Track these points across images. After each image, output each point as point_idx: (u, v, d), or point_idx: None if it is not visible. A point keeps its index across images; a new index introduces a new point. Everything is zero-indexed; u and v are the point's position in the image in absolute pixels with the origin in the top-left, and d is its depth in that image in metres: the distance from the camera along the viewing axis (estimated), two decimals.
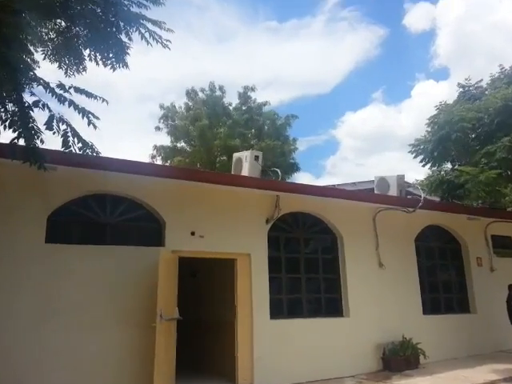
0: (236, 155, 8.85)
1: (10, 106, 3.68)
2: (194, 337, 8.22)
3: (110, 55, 4.21)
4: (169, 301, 6.12)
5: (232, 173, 8.62)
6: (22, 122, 3.59)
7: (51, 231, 5.85)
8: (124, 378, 5.86)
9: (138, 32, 4.23)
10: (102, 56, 4.23)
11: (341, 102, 46.92)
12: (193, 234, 6.82)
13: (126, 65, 4.29)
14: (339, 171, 44.53)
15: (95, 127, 3.75)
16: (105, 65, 4.24)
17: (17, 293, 5.51)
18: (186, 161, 21.33)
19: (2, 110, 3.66)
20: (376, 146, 46.01)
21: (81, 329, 5.76)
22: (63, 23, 4.29)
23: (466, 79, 11.32)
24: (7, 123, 3.65)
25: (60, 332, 5.63)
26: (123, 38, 4.21)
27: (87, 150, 3.82)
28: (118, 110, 35.95)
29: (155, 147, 23.32)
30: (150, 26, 4.31)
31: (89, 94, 3.90)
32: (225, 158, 21.42)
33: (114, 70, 4.23)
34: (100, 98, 3.97)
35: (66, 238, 6.02)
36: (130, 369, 5.90)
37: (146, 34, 4.26)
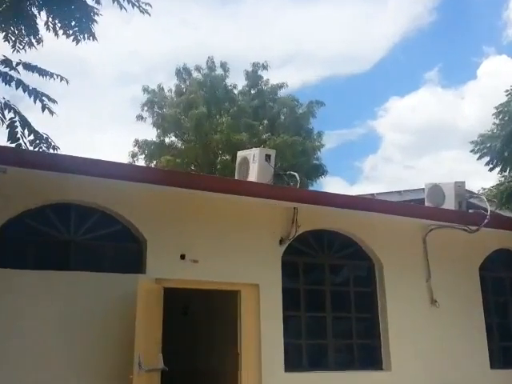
0: (241, 154, 8.89)
1: None
2: None
3: (73, 23, 4.21)
4: (150, 345, 6.12)
5: (236, 177, 8.66)
6: None
7: None
8: None
9: None
10: (63, 24, 4.23)
11: (383, 84, 46.94)
12: (183, 257, 6.84)
13: (92, 35, 4.30)
14: (380, 176, 44.42)
15: (51, 113, 3.76)
16: (66, 35, 4.24)
17: None
18: (176, 161, 21.53)
19: None
20: (429, 143, 45.83)
21: (41, 377, 5.76)
22: None
23: None
24: None
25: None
26: (89, 1, 4.23)
27: (41, 145, 3.82)
28: (92, 94, 36.52)
29: (136, 143, 23.67)
30: None
31: (42, 72, 3.91)
32: (227, 157, 21.61)
33: (77, 43, 4.24)
34: (57, 76, 3.98)
35: (18, 262, 6.05)
36: None
37: None
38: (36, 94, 3.80)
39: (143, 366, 5.87)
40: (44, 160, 5.01)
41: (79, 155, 5.95)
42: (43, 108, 3.80)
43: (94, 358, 6.04)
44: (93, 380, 5.99)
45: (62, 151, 4.90)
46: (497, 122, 10.47)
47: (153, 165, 23.07)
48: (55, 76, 3.99)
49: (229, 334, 7.30)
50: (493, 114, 10.62)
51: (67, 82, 3.97)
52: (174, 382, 7.03)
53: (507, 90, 10.73)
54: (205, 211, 7.16)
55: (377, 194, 10.60)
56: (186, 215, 7.04)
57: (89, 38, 4.32)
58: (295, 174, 8.96)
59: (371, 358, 8.07)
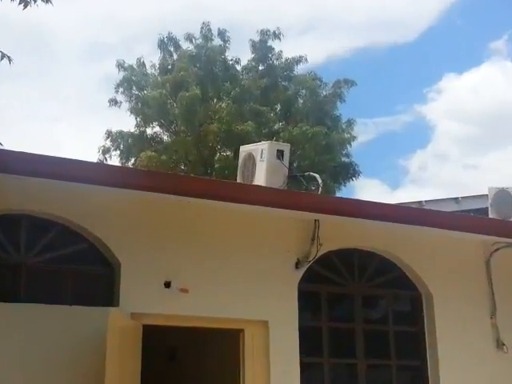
0: (245, 150, 8.99)
1: None
2: None
3: None
4: None
5: (238, 180, 8.73)
6: None
7: None
8: None
9: None
10: None
11: (434, 58, 46.86)
12: (168, 285, 6.86)
13: None
14: (431, 178, 44.37)
15: None
16: None
17: None
18: (161, 158, 21.64)
19: None
20: (496, 135, 45.71)
21: None
22: None
23: None
24: None
25: None
26: None
27: None
28: (53, 72, 36.66)
29: (109, 135, 23.83)
30: None
31: None
32: (227, 153, 21.71)
33: (25, 6, 4.24)
34: None
35: None
36: None
37: None
38: None
39: None
40: None
41: (32, 151, 5.93)
42: None
43: None
44: None
45: (9, 146, 4.89)
46: None
47: (130, 164, 23.25)
48: None
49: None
50: None
51: (10, 62, 3.96)
52: None
53: None
54: (198, 225, 7.20)
55: (426, 201, 10.59)
56: (173, 230, 7.08)
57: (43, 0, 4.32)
58: (317, 175, 9.10)
59: None
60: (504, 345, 8.48)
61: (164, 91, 23.08)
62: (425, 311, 8.41)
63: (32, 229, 6.58)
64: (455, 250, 8.53)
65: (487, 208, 9.50)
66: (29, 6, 4.21)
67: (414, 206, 9.64)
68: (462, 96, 43.93)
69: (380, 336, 8.22)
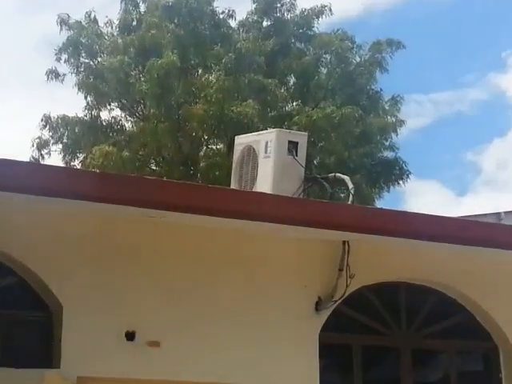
0: (244, 141, 9.10)
1: None
2: None
3: None
4: None
5: (232, 184, 8.85)
6: None
7: None
8: None
9: None
10: None
11: None
12: (131, 337, 6.89)
13: None
14: None
15: None
16: None
17: None
18: (123, 154, 21.53)
19: None
20: None
21: None
22: None
23: None
24: None
25: None
26: None
27: None
28: None
29: (47, 121, 23.75)
30: None
31: None
32: (219, 146, 21.60)
33: None
34: None
35: None
36: None
37: None
38: None
39: None
40: None
41: None
42: None
43: None
44: None
45: None
46: None
47: (77, 163, 23.23)
48: None
49: None
50: None
51: None
52: None
53: None
54: (175, 251, 7.25)
55: (506, 213, 10.60)
56: (140, 259, 7.10)
57: None
58: (346, 177, 9.16)
59: None
60: None
61: (126, 58, 23.09)
62: (503, 371, 8.39)
63: None
64: None
65: None
66: None
67: (489, 219, 9.64)
68: None
69: None
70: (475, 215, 10.62)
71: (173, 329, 7.07)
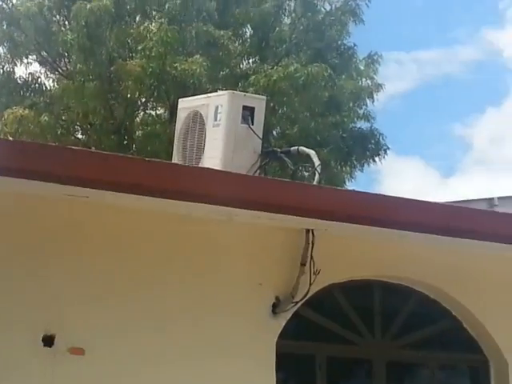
0: (189, 105, 9.12)
1: None
2: None
3: None
4: None
5: (175, 158, 8.91)
6: None
7: None
8: None
9: None
10: None
11: None
12: (49, 342, 6.84)
13: None
14: (510, 157, 44.79)
15: None
16: None
17: None
18: (41, 119, 21.38)
19: None
20: None
21: None
22: None
23: None
24: None
25: None
26: None
27: None
28: None
29: None
30: None
31: None
32: (159, 111, 21.52)
33: None
34: None
35: None
36: None
37: None
38: None
39: None
40: None
41: None
42: None
43: None
44: None
45: None
46: None
47: None
48: None
49: None
50: None
51: None
52: None
53: None
54: (103, 237, 7.24)
55: (500, 198, 10.70)
56: (61, 245, 7.07)
57: None
58: (311, 151, 9.18)
59: None
60: None
61: (47, 1, 22.98)
62: None
63: None
64: None
65: None
66: None
67: (480, 205, 9.70)
68: None
69: None
70: (464, 201, 10.74)
71: (101, 333, 7.02)
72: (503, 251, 8.22)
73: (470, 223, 8.18)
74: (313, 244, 7.68)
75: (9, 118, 21.36)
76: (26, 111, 21.83)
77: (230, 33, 23.15)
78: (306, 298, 7.65)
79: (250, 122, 8.50)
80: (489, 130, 43.79)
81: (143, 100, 22.47)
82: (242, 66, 22.74)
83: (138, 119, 22.20)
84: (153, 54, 21.57)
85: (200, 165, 8.27)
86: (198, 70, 21.02)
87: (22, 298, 6.86)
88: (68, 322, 6.93)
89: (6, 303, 6.78)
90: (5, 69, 23.77)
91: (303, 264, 7.65)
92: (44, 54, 23.81)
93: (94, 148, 19.71)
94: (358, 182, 24.07)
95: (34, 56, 23.85)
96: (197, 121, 8.64)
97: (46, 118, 21.91)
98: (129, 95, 22.41)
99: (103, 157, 8.57)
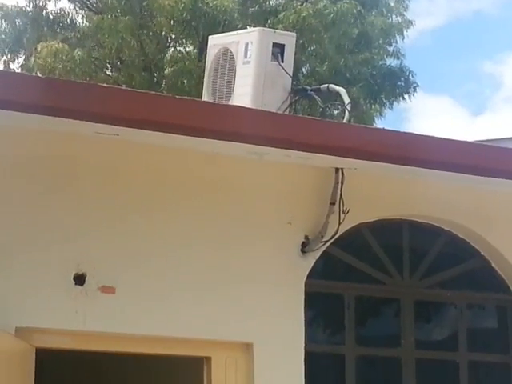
0: (219, 42, 9.07)
1: None
2: None
3: None
4: None
5: (204, 96, 8.86)
6: None
7: None
8: None
9: None
10: None
11: None
12: (80, 281, 6.88)
13: None
14: None
15: None
16: None
17: None
18: (74, 54, 21.35)
19: None
20: None
21: None
22: None
23: None
24: None
25: None
26: None
27: None
28: None
29: None
30: None
31: None
32: (189, 48, 21.45)
33: None
34: None
35: None
36: None
37: None
38: None
39: None
40: None
41: None
42: None
43: None
44: None
45: None
46: None
47: (18, 65, 23.11)
48: None
49: None
50: None
51: None
52: None
53: None
54: (133, 174, 7.23)
55: None
56: (90, 184, 7.05)
57: None
58: (342, 89, 9.11)
59: None
60: None
61: None
62: None
63: None
64: None
65: None
66: None
67: (510, 144, 9.60)
68: None
69: (443, 370, 8.34)
70: (494, 139, 10.57)
71: (131, 273, 7.07)
72: None
73: (498, 162, 8.12)
74: (342, 183, 7.64)
75: (42, 52, 21.32)
76: (60, 45, 21.77)
77: None
78: (335, 237, 7.65)
79: (280, 59, 8.46)
80: None
81: (173, 36, 22.29)
82: (271, 2, 22.47)
83: (168, 56, 22.03)
84: None
85: (230, 102, 8.24)
86: (230, 6, 20.91)
87: (54, 239, 6.91)
88: (98, 261, 6.97)
89: (39, 244, 6.84)
90: (36, 3, 23.66)
91: (332, 203, 7.62)
92: None
93: (124, 85, 19.62)
94: (388, 120, 24.03)
95: None
96: (227, 58, 8.61)
97: (78, 52, 21.83)
98: (160, 31, 22.28)
99: (133, 94, 8.58)
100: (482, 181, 7.92)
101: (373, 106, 22.34)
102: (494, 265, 8.56)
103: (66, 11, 23.84)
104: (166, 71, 21.25)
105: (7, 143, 6.76)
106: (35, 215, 6.92)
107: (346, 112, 8.80)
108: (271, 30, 8.99)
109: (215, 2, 20.87)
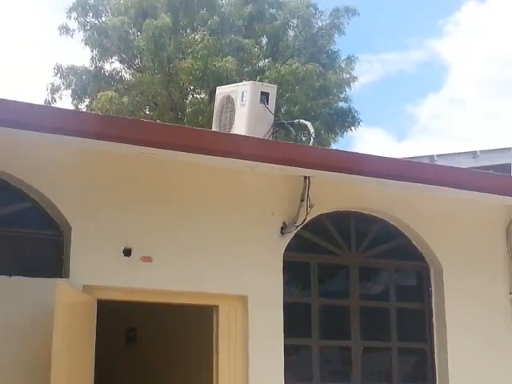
0: (223, 91, 8.97)
1: None
2: None
3: None
4: None
5: (214, 127, 8.74)
6: None
7: None
8: None
9: None
10: None
11: None
12: (128, 253, 6.89)
13: None
14: (445, 128, 44.27)
15: None
16: None
17: None
18: (123, 100, 21.35)
19: None
20: None
21: None
22: None
23: None
24: None
25: None
26: None
27: None
28: None
29: (59, 70, 23.53)
30: None
31: None
32: (202, 95, 21.49)
33: None
34: None
35: None
36: None
37: None
38: None
39: None
40: None
41: None
42: None
43: None
44: None
45: None
46: None
47: (84, 106, 22.99)
48: None
49: (199, 371, 7.45)
50: None
51: None
52: None
53: None
54: (164, 182, 7.21)
55: (438, 156, 10.58)
56: (136, 188, 7.07)
57: None
58: (308, 123, 9.15)
59: None
60: None
61: (126, 19, 22.75)
62: (433, 286, 8.48)
63: None
64: (471, 214, 8.58)
65: (510, 164, 9.51)
66: None
67: (424, 160, 9.63)
68: (483, 29, 43.51)
69: (379, 314, 8.30)
70: (412, 157, 10.56)
71: (163, 247, 7.10)
72: (441, 193, 8.17)
73: (415, 172, 8.13)
74: (308, 187, 7.60)
75: (101, 98, 21.28)
76: (113, 93, 21.78)
77: (253, 41, 22.95)
78: (303, 224, 7.65)
79: (265, 102, 8.45)
80: (430, 108, 42.93)
81: (192, 87, 22.29)
82: (260, 64, 22.54)
83: (188, 101, 22.06)
84: (198, 56, 21.35)
85: (231, 132, 8.25)
86: (230, 67, 20.85)
87: (110, 225, 6.94)
88: (144, 238, 7.02)
89: (99, 228, 6.87)
90: (96, 65, 23.64)
91: (302, 200, 7.59)
92: (123, 55, 23.65)
93: (158, 120, 19.65)
94: (340, 144, 24.09)
95: (117, 56, 23.68)
96: (229, 102, 8.60)
97: (125, 99, 21.87)
98: (182, 84, 22.29)
99: (164, 126, 8.59)
100: (406, 185, 7.88)
101: (329, 135, 22.32)
102: (414, 242, 8.54)
103: (117, 70, 23.82)
104: (187, 111, 21.27)
105: (84, 160, 6.82)
106: (103, 211, 6.94)
107: (311, 138, 8.88)
108: (259, 83, 9.02)
109: (220, 64, 20.83)
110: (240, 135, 7.87)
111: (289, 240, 7.71)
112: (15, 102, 6.23)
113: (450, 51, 43.45)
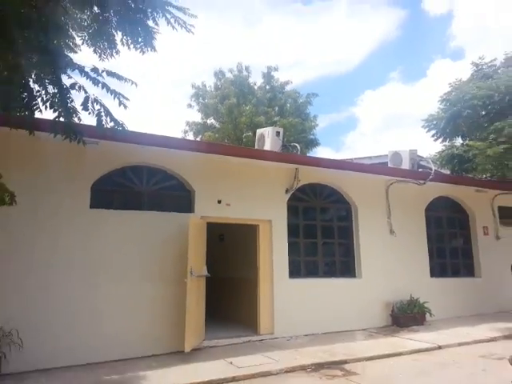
0: (259, 131, 8.76)
1: (50, 88, 3.72)
2: (221, 292, 8.40)
3: (139, 40, 4.18)
4: (198, 260, 6.22)
5: (255, 147, 8.56)
6: (61, 102, 3.65)
7: (94, 198, 5.90)
8: (161, 325, 6.04)
9: (164, 18, 4.15)
10: (133, 40, 4.21)
11: (361, 80, 45.05)
12: (219, 202, 6.85)
13: (153, 48, 4.25)
14: (357, 146, 43.47)
15: (125, 107, 3.76)
16: (135, 48, 4.20)
17: (70, 247, 5.64)
18: (215, 136, 21.28)
19: (43, 91, 3.71)
20: (392, 123, 44.52)
21: (125, 282, 5.91)
22: (97, 10, 4.25)
23: (479, 58, 10.63)
24: (48, 104, 3.75)
25: (108, 284, 5.79)
26: (150, 23, 4.16)
27: (118, 128, 3.85)
28: (156, 93, 35.70)
29: (187, 123, 23.41)
30: (174, 11, 4.22)
31: (119, 77, 3.90)
32: (250, 133, 21.23)
33: (143, 53, 4.20)
34: (129, 80, 3.96)
35: (108, 204, 6.03)
36: (166, 317, 6.09)
37: (172, 20, 4.18)
38: (115, 94, 3.80)
39: (194, 272, 5.99)
40: (124, 136, 4.91)
41: (149, 132, 5.96)
42: (120, 104, 3.82)
43: (160, 269, 6.15)
44: (160, 283, 6.12)
45: (135, 128, 4.86)
46: (441, 106, 10.08)
47: (198, 138, 22.92)
48: (128, 80, 3.98)
49: (251, 253, 7.38)
50: (438, 101, 10.25)
51: (136, 85, 3.96)
52: (213, 284, 7.24)
53: (450, 84, 10.30)
54: (234, 171, 7.08)
55: (354, 158, 10.41)
56: (222, 174, 6.97)
57: (151, 50, 4.26)
58: (297, 145, 8.99)
59: (348, 269, 8.11)
60: (394, 232, 8.43)
61: (216, 100, 22.50)
62: (353, 215, 8.31)
63: (149, 172, 6.52)
64: (371, 183, 8.40)
65: (387, 162, 9.36)
66: (144, 54, 4.15)
67: (348, 161, 9.46)
68: (374, 102, 42.28)
69: (329, 228, 8.14)
70: (343, 159, 10.21)
71: (235, 198, 6.97)
72: (357, 174, 7.98)
73: (344, 165, 7.98)
74: (298, 172, 7.47)
75: (206, 135, 21.04)
76: (211, 133, 21.47)
77: (272, 109, 22.24)
78: (295, 189, 7.52)
79: (278, 136, 8.29)
80: (350, 138, 40.83)
81: (245, 130, 21.74)
82: (275, 119, 21.87)
83: (243, 135, 21.58)
84: (248, 116, 20.93)
85: (264, 149, 8.16)
86: (262, 120, 20.55)
87: (214, 189, 6.76)
88: (226, 195, 6.85)
89: (206, 190, 6.69)
90: (203, 120, 23.08)
91: (295, 178, 7.46)
92: (214, 116, 23.19)
93: (231, 144, 19.23)
94: (310, 154, 23.48)
95: (212, 116, 23.18)
96: (262, 136, 8.46)
97: (216, 135, 21.37)
98: (241, 129, 21.72)
99: (235, 147, 8.41)
100: (339, 171, 7.79)
101: (306, 150, 21.59)
102: (344, 196, 8.21)
103: (212, 123, 23.32)
104: (243, 141, 20.76)
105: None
106: (211, 184, 6.79)
107: (299, 152, 8.68)
108: (276, 127, 8.89)
109: (257, 119, 20.56)
110: (267, 150, 7.81)
111: (289, 195, 7.56)
112: (175, 138, 6.25)
113: (360, 112, 41.11)
